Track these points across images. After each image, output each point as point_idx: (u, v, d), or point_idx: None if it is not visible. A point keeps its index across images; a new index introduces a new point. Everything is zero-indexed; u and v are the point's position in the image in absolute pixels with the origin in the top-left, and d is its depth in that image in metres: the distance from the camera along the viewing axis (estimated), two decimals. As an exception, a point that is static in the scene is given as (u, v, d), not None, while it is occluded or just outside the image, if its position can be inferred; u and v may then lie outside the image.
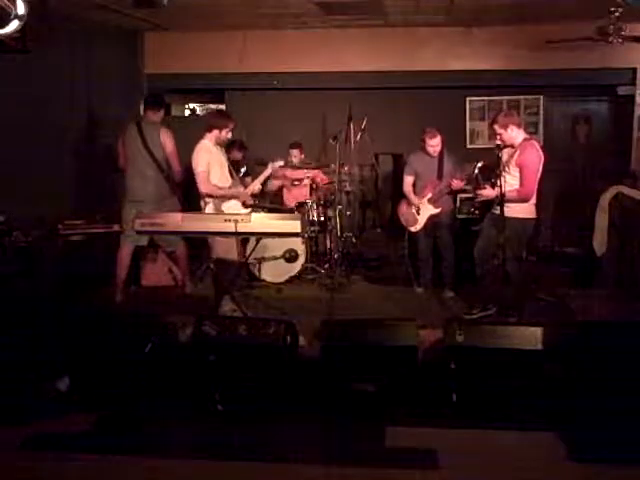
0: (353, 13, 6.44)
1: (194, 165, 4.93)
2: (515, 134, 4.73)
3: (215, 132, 4.97)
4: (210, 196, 4.91)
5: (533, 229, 4.96)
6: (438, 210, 5.63)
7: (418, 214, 5.70)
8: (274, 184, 6.83)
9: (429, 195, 5.63)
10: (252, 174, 6.44)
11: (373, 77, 7.38)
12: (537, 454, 3.13)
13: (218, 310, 4.77)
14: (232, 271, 5.00)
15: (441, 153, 5.65)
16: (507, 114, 4.92)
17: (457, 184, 5.40)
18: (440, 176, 5.61)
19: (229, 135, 5.09)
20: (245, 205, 5.19)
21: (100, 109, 6.64)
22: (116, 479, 3.04)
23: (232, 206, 5.03)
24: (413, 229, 5.77)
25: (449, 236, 5.71)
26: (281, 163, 5.39)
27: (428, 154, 5.63)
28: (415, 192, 5.76)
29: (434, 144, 5.57)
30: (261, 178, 5.28)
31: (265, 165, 5.27)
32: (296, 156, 6.71)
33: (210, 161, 4.92)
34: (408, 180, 5.82)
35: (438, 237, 5.73)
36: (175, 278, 5.90)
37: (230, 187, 5.05)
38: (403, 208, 5.84)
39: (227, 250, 4.95)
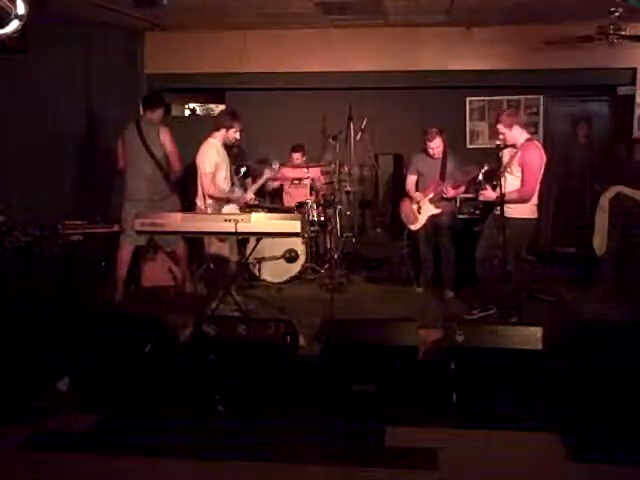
0: (353, 13, 6.44)
1: (200, 164, 4.93)
2: (518, 134, 4.72)
3: (223, 131, 5.00)
4: (212, 197, 4.92)
5: (533, 229, 4.96)
6: (439, 211, 5.63)
7: (419, 213, 5.70)
8: (274, 184, 6.83)
9: (431, 195, 5.63)
10: (252, 174, 6.46)
11: (373, 77, 7.37)
12: (537, 454, 3.13)
13: (208, 305, 4.77)
14: (226, 269, 5.02)
15: (444, 154, 5.64)
16: (511, 113, 4.91)
17: (453, 194, 5.51)
18: (443, 177, 5.61)
19: (237, 135, 5.13)
20: (245, 206, 5.21)
21: (100, 109, 6.64)
22: (116, 479, 3.04)
23: (231, 208, 5.06)
24: (413, 227, 5.76)
25: (449, 237, 5.70)
26: (276, 168, 5.42)
27: (430, 155, 5.64)
28: (418, 191, 5.77)
29: (434, 146, 5.57)
30: (256, 186, 5.31)
31: (265, 164, 5.30)
32: (298, 159, 6.71)
33: (218, 163, 4.93)
34: (411, 179, 5.82)
35: (438, 238, 5.73)
36: (175, 278, 5.89)
37: (230, 190, 5.09)
38: (404, 206, 5.84)
39: (219, 249, 4.98)
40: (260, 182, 5.38)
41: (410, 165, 5.91)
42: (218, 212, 4.92)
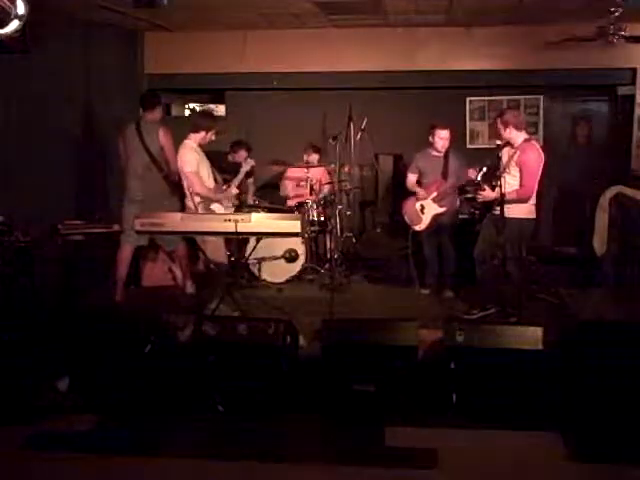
0: (353, 13, 6.44)
1: (180, 165, 5.00)
2: (518, 134, 4.73)
3: (202, 134, 5.02)
4: (199, 196, 4.95)
5: (533, 229, 4.96)
6: (443, 209, 5.60)
7: (422, 213, 5.66)
8: (287, 186, 6.80)
9: (434, 194, 5.60)
10: (252, 175, 6.45)
11: (373, 77, 7.37)
12: (537, 454, 3.13)
13: (207, 305, 4.78)
14: (223, 271, 5.03)
15: (447, 152, 5.63)
16: (512, 113, 4.92)
17: (473, 173, 5.19)
18: (445, 175, 5.58)
19: (213, 137, 5.13)
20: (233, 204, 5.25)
21: (100, 109, 6.64)
22: (116, 479, 3.04)
23: (219, 207, 5.09)
24: (417, 228, 5.71)
25: (451, 236, 5.68)
26: (253, 163, 5.41)
27: (436, 150, 5.61)
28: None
29: (443, 136, 5.54)
30: (238, 179, 5.30)
31: (278, 164, 5.31)
32: (315, 160, 6.67)
33: (198, 162, 4.96)
34: (411, 178, 5.80)
35: (441, 237, 5.70)
36: (175, 278, 5.90)
37: (215, 188, 5.12)
38: (407, 206, 5.79)
39: (215, 250, 4.99)
40: (240, 175, 5.35)
41: (412, 163, 5.87)
42: (208, 210, 4.95)
